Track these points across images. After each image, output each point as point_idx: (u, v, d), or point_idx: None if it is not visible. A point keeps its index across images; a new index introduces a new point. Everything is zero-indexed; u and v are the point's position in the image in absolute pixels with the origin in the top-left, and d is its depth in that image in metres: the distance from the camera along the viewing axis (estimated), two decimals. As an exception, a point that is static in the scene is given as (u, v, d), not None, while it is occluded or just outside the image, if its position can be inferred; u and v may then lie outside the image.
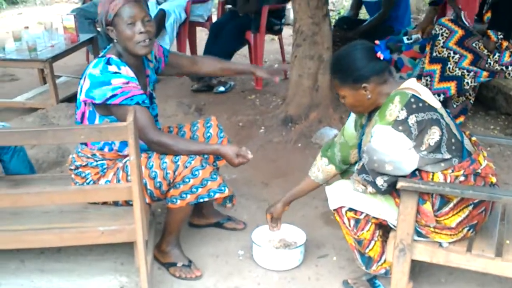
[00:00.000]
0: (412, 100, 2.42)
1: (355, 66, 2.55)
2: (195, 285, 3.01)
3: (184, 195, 2.84)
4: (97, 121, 2.87)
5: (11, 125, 3.95)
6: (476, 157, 2.55)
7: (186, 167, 2.80)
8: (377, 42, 2.57)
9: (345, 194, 2.66)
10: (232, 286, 3.01)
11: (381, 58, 2.53)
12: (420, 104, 2.43)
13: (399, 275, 2.63)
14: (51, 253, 3.20)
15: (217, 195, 2.89)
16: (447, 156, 2.47)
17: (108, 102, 2.75)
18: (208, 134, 3.24)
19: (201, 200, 2.88)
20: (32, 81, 6.28)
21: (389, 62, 2.59)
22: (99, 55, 2.91)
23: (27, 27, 5.64)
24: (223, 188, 2.89)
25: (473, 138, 2.71)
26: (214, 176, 2.87)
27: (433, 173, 2.49)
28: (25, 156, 3.56)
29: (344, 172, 2.98)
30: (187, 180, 2.81)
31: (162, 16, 6.12)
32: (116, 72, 2.77)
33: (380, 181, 2.51)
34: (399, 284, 2.66)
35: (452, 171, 2.49)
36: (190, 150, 2.85)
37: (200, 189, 2.84)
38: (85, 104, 2.86)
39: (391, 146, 2.43)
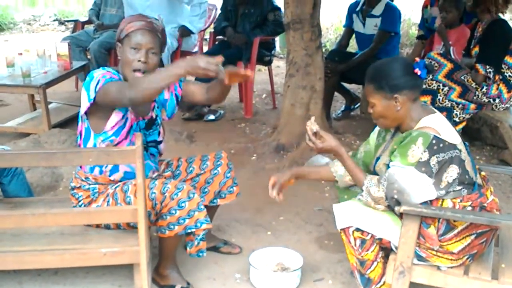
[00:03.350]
0: (434, 141, 2.52)
1: (392, 75, 2.64)
2: (193, 307, 3.05)
3: (172, 226, 2.87)
4: (91, 140, 2.92)
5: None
6: (485, 192, 2.68)
7: (173, 199, 2.82)
8: (417, 59, 2.66)
9: (353, 214, 2.71)
10: (230, 308, 3.06)
11: (418, 74, 2.64)
12: (441, 145, 2.53)
13: (397, 297, 2.69)
14: (48, 275, 3.21)
15: (204, 226, 2.90)
16: (458, 188, 2.60)
17: (96, 91, 2.76)
18: (215, 172, 3.24)
19: (189, 231, 2.90)
20: (22, 107, 6.30)
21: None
22: None
23: (20, 53, 5.68)
24: (207, 220, 2.92)
25: (482, 173, 2.83)
26: (201, 207, 2.90)
27: (443, 200, 2.61)
28: (24, 179, 3.59)
29: (348, 192, 3.05)
30: (173, 211, 2.84)
31: None
32: (98, 69, 2.86)
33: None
34: (397, 305, 2.71)
35: (461, 201, 2.61)
36: (160, 78, 2.66)
37: (187, 220, 2.86)
38: (82, 120, 2.92)
39: (413, 185, 2.54)
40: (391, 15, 5.71)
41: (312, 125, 2.78)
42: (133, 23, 2.88)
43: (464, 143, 2.69)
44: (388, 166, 2.64)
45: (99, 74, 2.81)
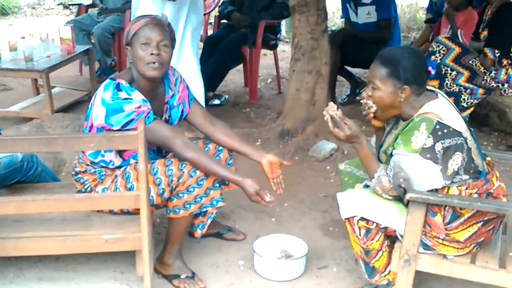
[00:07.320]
0: (438, 127, 2.47)
1: (408, 67, 2.58)
2: (198, 296, 3.02)
3: (188, 206, 2.84)
4: None
5: (6, 134, 3.92)
6: (490, 178, 2.63)
7: (191, 176, 2.80)
8: (433, 57, 2.64)
9: (358, 203, 2.66)
10: (234, 296, 3.02)
11: (431, 72, 2.61)
12: (445, 130, 2.48)
13: (403, 286, 2.64)
14: (49, 261, 3.19)
15: (220, 204, 2.90)
16: (465, 177, 2.56)
17: (127, 128, 2.75)
18: (217, 158, 3.17)
19: (204, 210, 2.88)
20: (25, 91, 6.28)
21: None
22: (110, 77, 2.86)
23: (23, 37, 5.64)
24: (222, 198, 2.92)
25: (488, 158, 2.77)
26: (217, 185, 2.89)
27: (448, 188, 2.56)
28: (45, 172, 3.48)
29: (352, 175, 3.02)
30: (191, 189, 2.81)
31: None
32: (126, 98, 2.75)
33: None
34: (402, 294, 2.67)
35: (467, 188, 2.57)
36: (214, 171, 2.83)
37: (204, 198, 2.85)
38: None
39: (419, 173, 2.49)
40: (384, 1, 5.63)
41: (336, 111, 2.65)
42: (139, 22, 2.82)
43: (470, 129, 2.64)
44: (391, 155, 2.58)
45: (130, 109, 2.74)
